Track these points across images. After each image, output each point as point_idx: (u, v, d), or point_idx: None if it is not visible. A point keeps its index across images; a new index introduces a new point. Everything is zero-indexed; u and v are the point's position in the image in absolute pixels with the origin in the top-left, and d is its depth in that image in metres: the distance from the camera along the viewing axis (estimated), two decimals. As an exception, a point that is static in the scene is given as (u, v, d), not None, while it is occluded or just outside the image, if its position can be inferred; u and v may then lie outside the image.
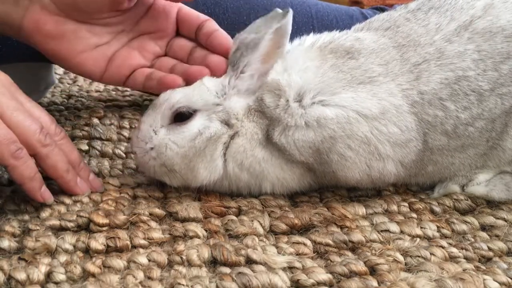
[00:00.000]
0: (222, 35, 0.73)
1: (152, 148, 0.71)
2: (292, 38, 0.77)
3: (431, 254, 0.62)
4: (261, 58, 0.69)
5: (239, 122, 0.71)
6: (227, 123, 0.71)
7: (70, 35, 0.72)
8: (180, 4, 0.76)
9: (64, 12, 0.70)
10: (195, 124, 0.70)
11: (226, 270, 0.58)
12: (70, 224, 0.65)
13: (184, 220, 0.68)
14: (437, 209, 0.74)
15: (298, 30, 0.76)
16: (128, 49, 0.76)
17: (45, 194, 0.67)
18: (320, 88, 0.68)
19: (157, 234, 0.64)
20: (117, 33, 0.75)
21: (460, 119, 0.70)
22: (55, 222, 0.65)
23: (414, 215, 0.72)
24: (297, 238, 0.65)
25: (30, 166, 0.64)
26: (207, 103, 0.70)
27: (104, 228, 0.65)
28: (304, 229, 0.68)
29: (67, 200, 0.71)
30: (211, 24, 0.74)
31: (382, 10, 1.20)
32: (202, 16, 0.75)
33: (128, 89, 1.39)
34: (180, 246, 0.62)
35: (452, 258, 0.62)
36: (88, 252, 0.61)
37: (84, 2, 0.70)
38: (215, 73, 0.71)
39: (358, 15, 1.16)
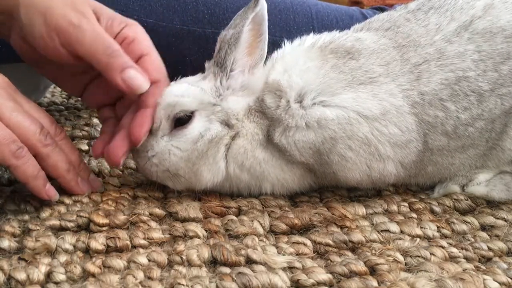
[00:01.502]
0: (142, 115, 0.68)
1: (153, 156, 0.71)
2: (292, 38, 0.77)
3: (431, 254, 0.62)
4: (246, 51, 0.69)
5: (239, 122, 0.71)
6: (227, 124, 0.71)
7: (48, 65, 0.73)
8: (146, 51, 0.70)
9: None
10: (195, 127, 0.70)
11: (226, 270, 0.58)
12: (70, 224, 0.65)
13: (184, 220, 0.68)
14: (437, 209, 0.74)
15: (299, 31, 0.76)
16: (96, 85, 0.76)
17: (50, 191, 0.67)
18: (321, 89, 0.68)
19: (157, 234, 0.64)
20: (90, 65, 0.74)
21: (460, 120, 0.70)
22: (55, 222, 0.65)
23: (414, 215, 0.72)
24: (297, 238, 0.65)
25: (33, 165, 0.64)
26: (202, 102, 0.70)
27: (104, 228, 0.65)
28: (304, 229, 0.68)
29: (67, 200, 0.71)
30: (157, 86, 0.68)
31: (382, 10, 1.20)
32: (156, 74, 0.69)
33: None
34: (180, 246, 0.62)
35: (452, 258, 0.62)
36: (88, 252, 0.61)
37: (44, 53, 0.68)
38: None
39: (358, 15, 1.16)
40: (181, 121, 0.70)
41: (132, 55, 0.68)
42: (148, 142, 0.71)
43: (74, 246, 0.62)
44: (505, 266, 0.61)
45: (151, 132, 0.70)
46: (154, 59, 0.70)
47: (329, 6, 1.13)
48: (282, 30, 0.76)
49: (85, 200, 0.72)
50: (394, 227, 0.68)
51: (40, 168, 0.66)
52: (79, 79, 0.76)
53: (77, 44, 0.65)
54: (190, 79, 0.73)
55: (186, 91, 0.69)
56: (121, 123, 0.72)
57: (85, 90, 0.77)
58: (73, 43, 0.65)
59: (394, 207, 0.74)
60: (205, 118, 0.70)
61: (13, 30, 0.70)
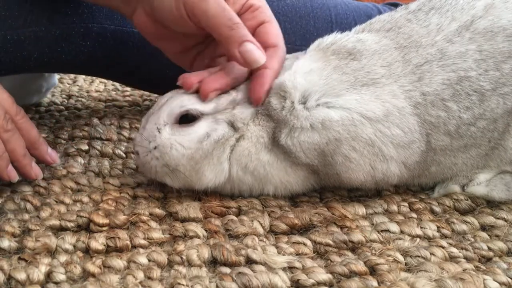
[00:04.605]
0: (262, 75, 0.69)
1: (155, 148, 0.70)
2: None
3: (431, 254, 0.62)
4: None
5: (245, 126, 0.71)
6: (232, 126, 0.70)
7: (169, 38, 0.77)
8: (268, 19, 0.74)
9: (161, 23, 0.74)
10: (202, 126, 0.69)
11: (226, 270, 0.58)
12: (70, 224, 0.65)
13: (184, 220, 0.68)
14: (437, 209, 0.74)
15: (318, 36, 0.77)
16: (201, 58, 0.80)
17: (10, 173, 0.71)
18: (324, 90, 0.68)
19: (157, 234, 0.64)
20: (208, 36, 0.77)
21: (462, 119, 0.70)
22: (55, 222, 0.65)
23: (414, 215, 0.72)
24: (297, 238, 0.65)
25: None
26: (217, 110, 0.70)
27: (104, 228, 0.65)
28: (304, 229, 0.68)
29: (67, 200, 0.71)
30: (272, 54, 0.70)
31: (395, 5, 1.19)
32: (273, 40, 0.71)
33: (128, 89, 1.39)
34: (180, 246, 0.62)
35: (452, 258, 0.62)
36: (88, 252, 0.61)
37: (172, 25, 0.73)
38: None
39: (376, 15, 1.15)
40: (186, 117, 0.70)
41: (255, 21, 0.72)
42: (151, 132, 0.70)
43: (74, 246, 0.62)
44: (505, 266, 0.61)
45: (153, 119, 0.71)
46: (274, 26, 0.73)
47: (347, 6, 1.12)
48: (302, 38, 0.76)
49: (85, 200, 0.72)
50: (394, 227, 0.68)
51: (4, 150, 0.69)
52: (189, 53, 0.80)
53: (202, 16, 0.68)
54: None
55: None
56: (220, 66, 0.73)
57: (194, 62, 0.81)
58: (198, 15, 0.68)
59: (394, 207, 0.74)
60: (212, 119, 0.70)
61: (139, 8, 0.75)
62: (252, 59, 0.67)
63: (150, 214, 0.69)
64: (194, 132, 0.69)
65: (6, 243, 0.61)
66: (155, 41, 0.80)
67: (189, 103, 0.69)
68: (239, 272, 0.57)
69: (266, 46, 0.71)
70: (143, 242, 0.63)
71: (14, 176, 0.72)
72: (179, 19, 0.70)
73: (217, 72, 0.71)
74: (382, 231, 0.67)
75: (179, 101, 0.70)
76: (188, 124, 0.70)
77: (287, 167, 0.72)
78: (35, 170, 0.76)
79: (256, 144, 0.71)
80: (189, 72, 0.73)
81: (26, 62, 0.91)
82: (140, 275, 0.56)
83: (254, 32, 0.71)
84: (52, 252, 0.61)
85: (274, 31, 0.73)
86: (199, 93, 0.70)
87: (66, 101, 1.26)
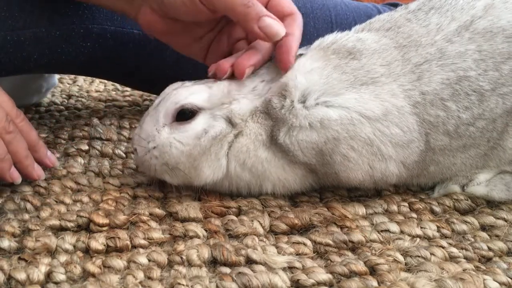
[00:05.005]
0: (287, 42, 0.69)
1: (154, 147, 0.70)
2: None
3: (431, 254, 0.62)
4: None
5: (243, 122, 0.71)
6: (230, 122, 0.71)
7: (179, 31, 0.78)
8: None
9: (170, 17, 0.74)
10: (200, 122, 0.70)
11: (226, 270, 0.58)
12: (70, 224, 0.65)
13: (184, 220, 0.68)
14: (437, 209, 0.74)
15: (318, 37, 0.77)
16: (221, 35, 0.81)
17: (13, 174, 0.72)
18: (324, 90, 0.68)
19: (157, 234, 0.64)
20: (218, 22, 0.79)
21: (461, 119, 0.70)
22: (55, 222, 0.65)
23: (414, 215, 0.72)
24: (297, 238, 0.65)
25: (1, 148, 0.68)
26: (214, 104, 0.70)
27: (104, 228, 0.65)
28: (304, 229, 0.68)
29: (67, 200, 0.71)
30: (291, 22, 0.71)
31: (395, 6, 1.19)
32: (288, 9, 0.73)
33: (128, 89, 1.39)
34: (180, 246, 0.62)
35: (452, 258, 0.62)
36: (88, 252, 0.61)
37: (184, 16, 0.73)
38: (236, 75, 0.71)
39: (376, 15, 1.15)
40: (183, 114, 0.70)
41: None
42: (150, 132, 0.71)
43: (74, 246, 0.62)
44: (505, 266, 0.61)
45: (151, 120, 0.71)
46: None
47: (347, 6, 1.12)
48: (302, 39, 0.78)
49: (85, 200, 0.72)
50: (394, 227, 0.68)
51: (7, 152, 0.69)
52: (200, 44, 0.80)
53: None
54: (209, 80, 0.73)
55: (203, 89, 0.71)
56: (245, 48, 0.73)
57: (209, 47, 0.81)
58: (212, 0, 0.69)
59: (394, 207, 0.74)
60: (210, 115, 0.70)
61: (143, 7, 0.75)
62: (272, 33, 0.68)
63: (150, 214, 0.69)
64: (192, 129, 0.70)
65: (6, 243, 0.61)
66: (164, 37, 0.80)
67: (182, 98, 0.70)
68: (239, 272, 0.57)
69: (282, 16, 0.71)
70: (143, 242, 0.63)
71: (17, 178, 0.72)
72: (191, 7, 0.70)
73: (246, 51, 0.71)
74: (382, 231, 0.67)
75: (173, 99, 0.70)
76: (186, 121, 0.70)
77: (284, 165, 0.72)
78: (37, 171, 0.76)
79: (255, 141, 0.71)
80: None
81: (26, 63, 0.91)
82: (140, 275, 0.56)
83: (266, 7, 0.71)
84: (52, 252, 0.61)
85: (285, 1, 0.73)
86: (235, 74, 0.70)
87: (66, 101, 1.26)
